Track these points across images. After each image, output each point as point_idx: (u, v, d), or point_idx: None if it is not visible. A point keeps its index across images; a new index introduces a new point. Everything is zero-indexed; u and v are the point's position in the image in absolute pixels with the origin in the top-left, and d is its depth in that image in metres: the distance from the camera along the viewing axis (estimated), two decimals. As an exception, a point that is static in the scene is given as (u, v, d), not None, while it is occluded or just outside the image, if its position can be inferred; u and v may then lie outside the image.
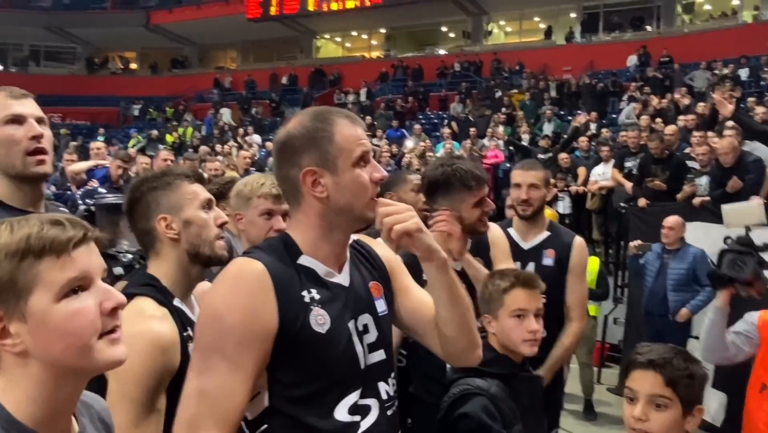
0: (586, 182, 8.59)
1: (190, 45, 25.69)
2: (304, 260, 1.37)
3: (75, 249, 0.91)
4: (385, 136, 13.89)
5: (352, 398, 1.33)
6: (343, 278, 1.40)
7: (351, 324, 1.37)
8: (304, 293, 1.32)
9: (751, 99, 10.82)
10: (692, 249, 5.13)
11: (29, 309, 0.88)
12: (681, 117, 10.05)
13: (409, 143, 12.90)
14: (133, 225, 1.66)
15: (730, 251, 2.58)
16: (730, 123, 6.30)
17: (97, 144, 7.24)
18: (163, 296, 1.55)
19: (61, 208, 2.10)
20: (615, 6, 20.23)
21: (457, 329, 1.45)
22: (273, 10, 21.79)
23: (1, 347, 0.90)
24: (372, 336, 1.40)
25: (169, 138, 16.39)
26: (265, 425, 1.31)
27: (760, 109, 7.89)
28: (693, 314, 4.95)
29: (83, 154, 7.74)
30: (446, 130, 12.82)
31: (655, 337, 4.51)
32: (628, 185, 7.45)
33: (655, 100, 11.24)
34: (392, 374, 1.45)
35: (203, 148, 11.59)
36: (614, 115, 13.56)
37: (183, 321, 1.55)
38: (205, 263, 1.64)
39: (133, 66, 26.87)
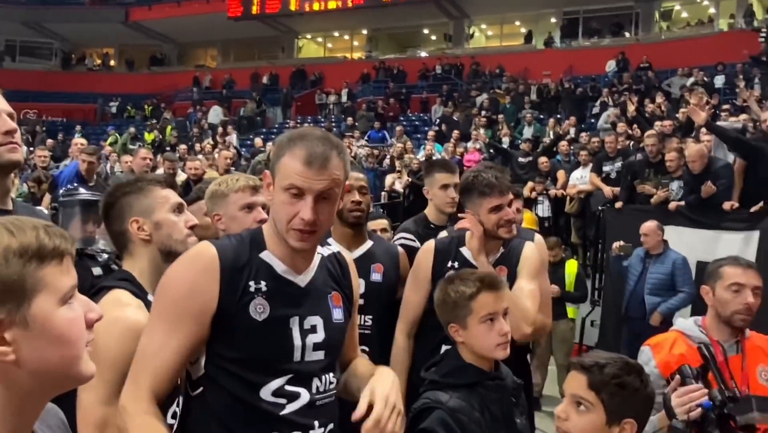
0: (565, 186, 8.65)
1: (170, 42, 25.42)
2: (265, 255, 1.51)
3: (70, 258, 0.91)
4: (367, 138, 13.86)
5: (278, 382, 1.47)
6: (300, 279, 1.53)
7: (295, 320, 1.50)
8: (251, 282, 1.47)
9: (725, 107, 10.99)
10: (673, 254, 5.19)
11: (33, 313, 0.85)
12: (658, 123, 10.17)
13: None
14: (108, 227, 1.78)
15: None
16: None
17: (81, 140, 7.14)
18: (138, 290, 1.67)
19: (39, 209, 2.06)
20: (594, 12, 20.46)
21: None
22: (254, 9, 21.66)
23: None
24: (318, 337, 1.52)
25: (148, 136, 16.20)
26: (201, 388, 1.51)
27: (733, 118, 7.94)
28: (664, 317, 4.89)
29: (63, 151, 7.66)
30: (431, 133, 12.82)
31: (633, 340, 4.50)
32: (607, 189, 7.51)
33: (632, 107, 11.33)
34: (331, 374, 1.57)
35: (182, 147, 11.46)
36: (593, 120, 13.70)
37: None
38: None
39: (112, 63, 26.53)
